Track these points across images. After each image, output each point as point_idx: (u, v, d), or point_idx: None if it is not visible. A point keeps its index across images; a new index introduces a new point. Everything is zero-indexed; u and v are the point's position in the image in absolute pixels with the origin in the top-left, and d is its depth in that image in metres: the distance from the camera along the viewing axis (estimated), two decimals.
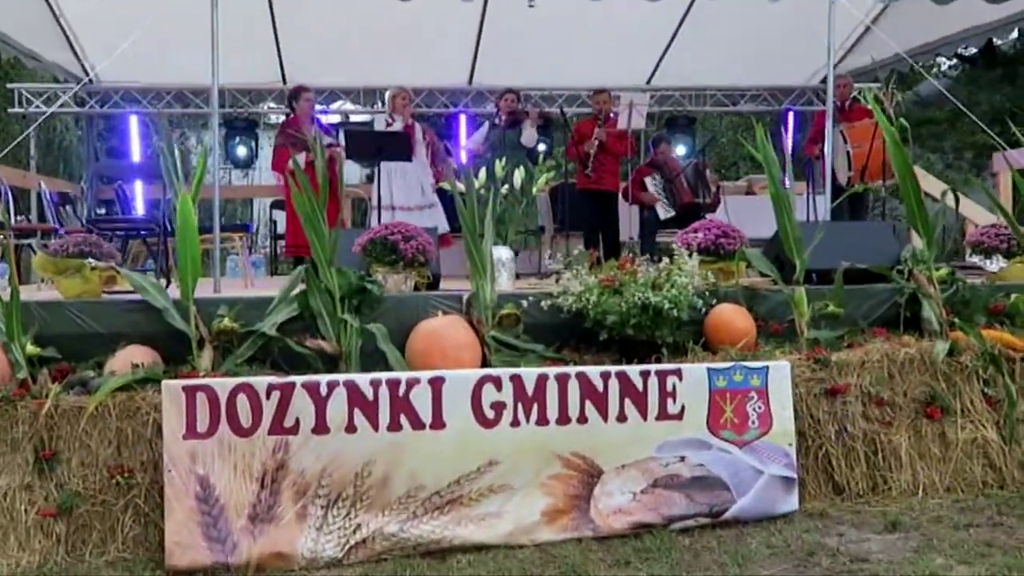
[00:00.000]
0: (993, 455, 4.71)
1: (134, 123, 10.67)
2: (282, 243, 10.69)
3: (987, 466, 4.71)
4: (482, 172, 5.11)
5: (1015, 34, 8.09)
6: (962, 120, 18.08)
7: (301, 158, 7.37)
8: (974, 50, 9.31)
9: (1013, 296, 5.14)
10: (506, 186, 5.55)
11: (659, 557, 3.92)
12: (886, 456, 4.59)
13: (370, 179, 9.44)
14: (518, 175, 5.72)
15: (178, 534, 3.88)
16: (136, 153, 10.64)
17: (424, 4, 6.36)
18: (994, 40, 8.27)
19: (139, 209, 9.97)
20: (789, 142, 10.96)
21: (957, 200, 5.22)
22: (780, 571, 3.74)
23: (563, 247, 8.30)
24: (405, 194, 7.73)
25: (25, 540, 3.97)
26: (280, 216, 11.09)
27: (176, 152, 4.57)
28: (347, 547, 3.98)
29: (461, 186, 7.47)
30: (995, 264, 5.63)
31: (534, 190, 5.79)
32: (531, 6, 5.94)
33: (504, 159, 6.77)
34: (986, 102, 16.58)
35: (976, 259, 5.73)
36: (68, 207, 8.68)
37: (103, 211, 7.83)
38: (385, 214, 7.26)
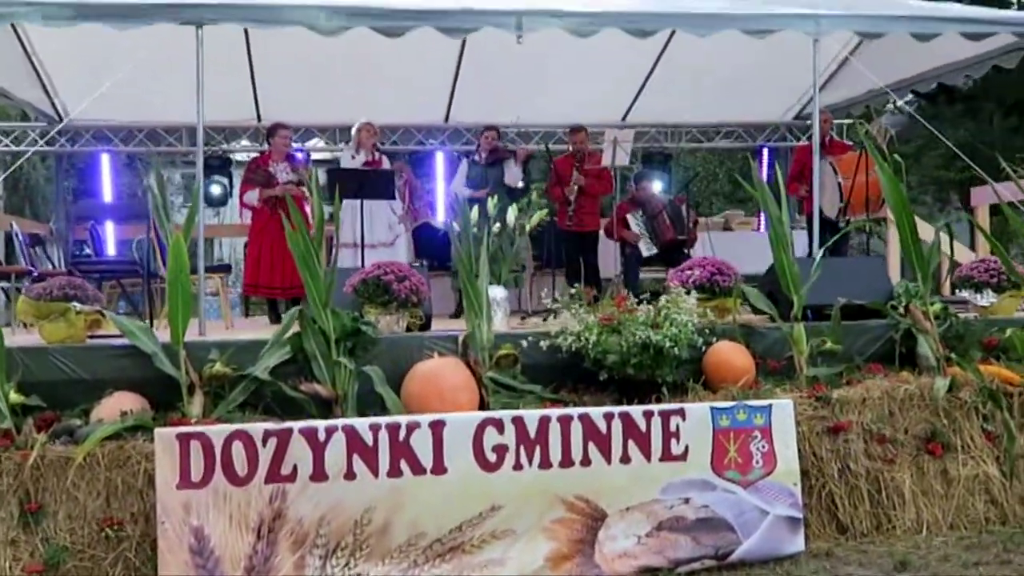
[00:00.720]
0: (995, 491, 4.69)
1: (106, 162, 10.49)
2: None
3: (989, 502, 4.69)
4: (475, 210, 5.03)
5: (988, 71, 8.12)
6: (927, 155, 18.38)
7: (254, 196, 7.29)
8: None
9: (1008, 331, 5.15)
10: (498, 224, 5.49)
11: None
12: (889, 494, 4.55)
13: (331, 217, 9.37)
14: (511, 213, 5.67)
15: None
16: (107, 192, 10.45)
17: (402, 41, 6.32)
18: (969, 77, 8.31)
19: (111, 250, 9.80)
20: (765, 178, 10.99)
21: (952, 237, 5.23)
22: None
23: (544, 286, 8.26)
24: (370, 231, 7.64)
25: None
26: None
27: (166, 191, 4.45)
28: None
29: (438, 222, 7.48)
30: (985, 299, 5.65)
31: (527, 227, 5.72)
32: (519, 41, 5.90)
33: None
34: (951, 137, 16.88)
35: (966, 294, 5.74)
36: (39, 248, 8.49)
37: (84, 252, 7.64)
38: (350, 251, 7.18)
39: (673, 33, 8.26)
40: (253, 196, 7.29)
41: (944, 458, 4.66)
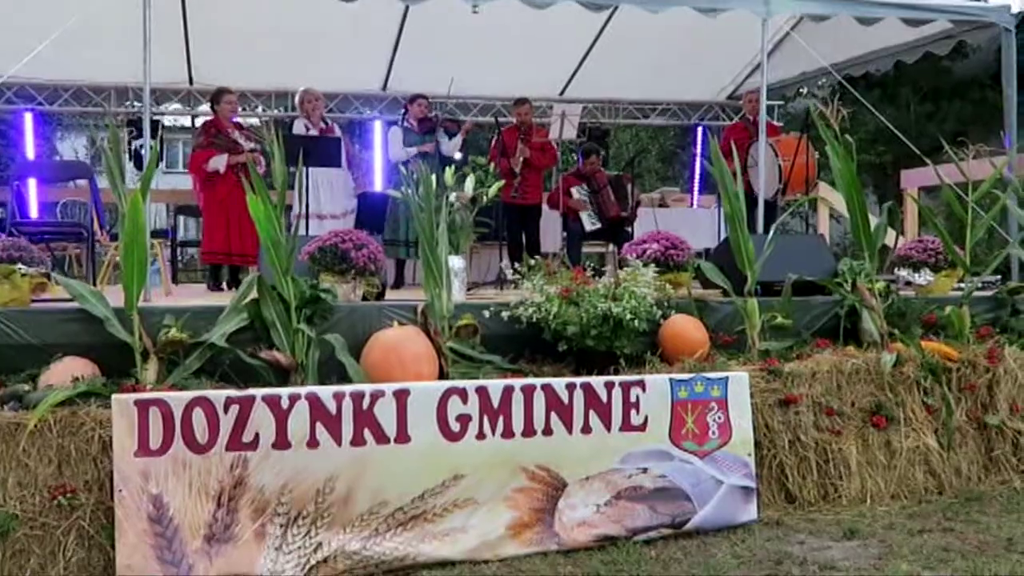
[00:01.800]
0: (934, 462, 4.87)
1: (28, 121, 10.11)
2: (187, 250, 10.34)
3: (928, 473, 4.87)
4: (432, 179, 4.99)
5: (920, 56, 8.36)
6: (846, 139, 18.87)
7: (222, 160, 7.13)
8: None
9: (948, 309, 5.34)
10: (454, 194, 5.46)
11: (628, 570, 3.89)
12: (836, 465, 4.69)
13: (291, 187, 9.22)
14: (470, 183, 5.64)
15: (130, 558, 3.66)
16: (30, 153, 10.08)
17: (343, 7, 6.22)
18: (903, 61, 8.54)
19: (33, 212, 9.45)
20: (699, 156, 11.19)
21: (896, 217, 5.39)
22: None
23: (487, 258, 8.26)
24: (331, 202, 7.54)
25: None
26: (183, 221, 10.71)
27: (120, 152, 4.30)
28: (308, 567, 3.83)
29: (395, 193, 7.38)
30: (923, 277, 5.84)
31: (486, 198, 5.71)
32: (475, 11, 5.86)
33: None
34: (871, 122, 17.33)
35: (904, 272, 5.92)
36: None
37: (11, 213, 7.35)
38: (313, 223, 7.06)
39: (615, 10, 8.31)
40: (220, 162, 7.10)
41: (887, 430, 4.81)
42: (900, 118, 17.59)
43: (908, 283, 5.98)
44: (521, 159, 7.89)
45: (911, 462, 4.83)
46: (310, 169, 6.87)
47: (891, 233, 8.52)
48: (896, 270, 6.04)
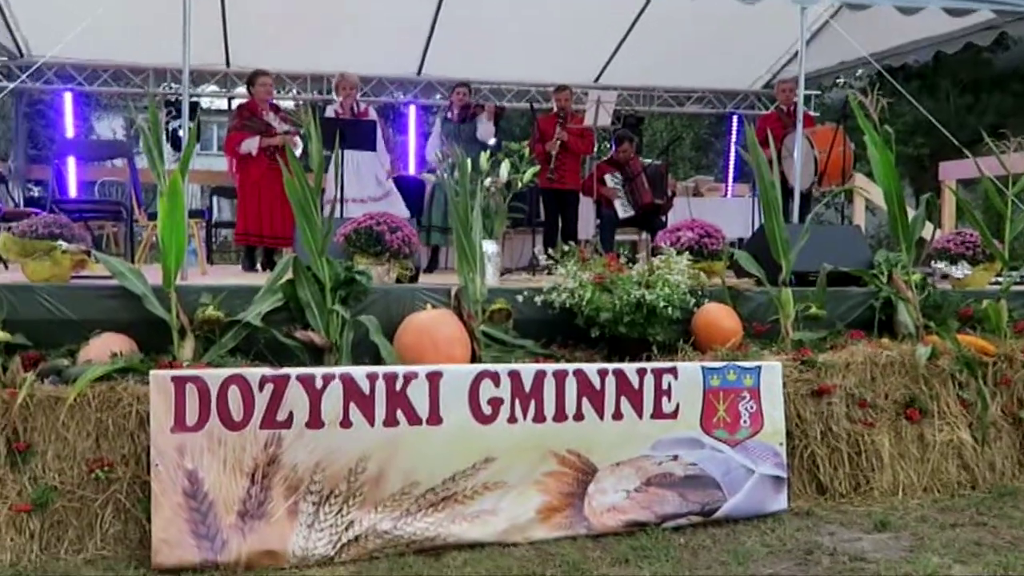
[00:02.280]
0: (967, 456, 4.83)
1: (68, 101, 10.22)
2: (221, 231, 10.43)
3: (961, 467, 4.83)
4: (468, 164, 5.00)
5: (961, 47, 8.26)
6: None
7: (254, 143, 7.17)
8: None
9: (985, 303, 5.28)
10: (489, 179, 5.47)
11: (658, 556, 3.90)
12: (868, 456, 4.66)
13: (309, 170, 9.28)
14: (504, 168, 5.65)
15: (165, 531, 3.71)
16: (70, 132, 10.20)
17: None
18: (943, 52, 8.45)
19: (73, 191, 9.58)
20: (733, 144, 11.12)
21: (934, 208, 5.33)
22: (782, 570, 3.75)
23: (521, 243, 8.27)
24: (358, 186, 7.55)
25: None
26: (217, 202, 10.79)
27: (160, 132, 4.35)
28: (339, 545, 3.87)
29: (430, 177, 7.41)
30: (960, 270, 5.77)
31: (520, 183, 5.72)
32: None
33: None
34: (909, 114, 17.14)
35: (941, 265, 5.86)
36: (1, 186, 8.28)
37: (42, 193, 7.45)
38: (337, 207, 7.08)
39: None
40: (252, 144, 7.15)
41: (921, 423, 4.78)
42: (939, 110, 17.38)
43: (945, 276, 5.92)
44: (558, 143, 7.87)
45: (944, 456, 4.79)
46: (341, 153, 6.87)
47: (928, 226, 8.49)
48: (933, 263, 5.97)
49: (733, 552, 3.92)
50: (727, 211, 9.73)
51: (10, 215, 6.65)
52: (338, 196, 6.99)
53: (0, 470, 3.80)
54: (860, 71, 11.90)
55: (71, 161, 9.39)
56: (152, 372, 3.84)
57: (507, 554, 3.93)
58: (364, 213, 5.10)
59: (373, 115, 7.89)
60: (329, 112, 7.88)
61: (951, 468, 4.80)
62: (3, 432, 3.83)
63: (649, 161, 8.24)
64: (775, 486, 4.40)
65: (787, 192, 6.81)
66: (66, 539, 3.82)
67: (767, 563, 3.82)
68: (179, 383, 3.80)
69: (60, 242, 4.53)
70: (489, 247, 5.12)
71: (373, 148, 7.35)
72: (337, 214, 6.65)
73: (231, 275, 6.85)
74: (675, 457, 4.31)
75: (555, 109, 8.32)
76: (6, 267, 5.85)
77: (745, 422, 4.41)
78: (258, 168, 7.17)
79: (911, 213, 5.35)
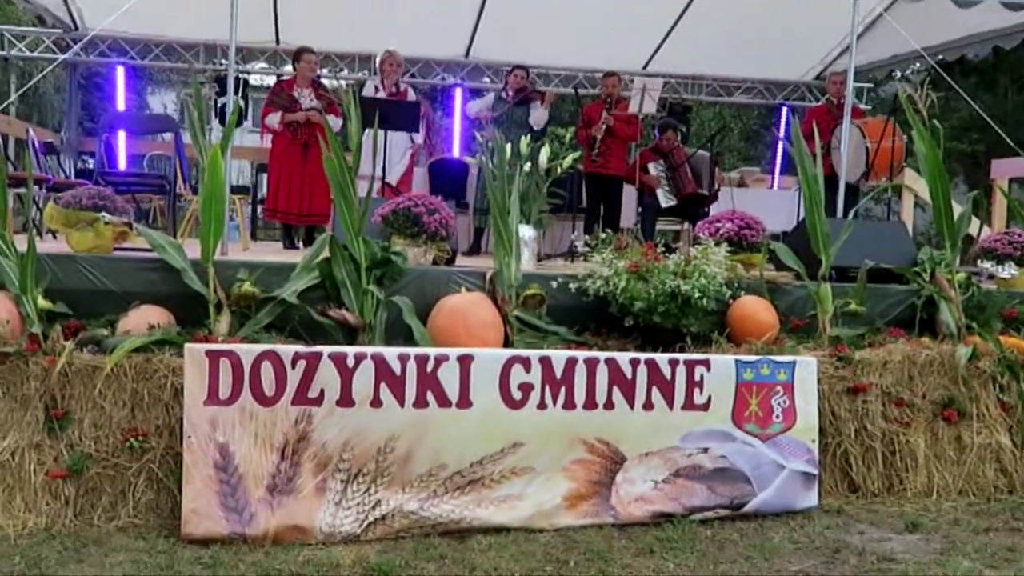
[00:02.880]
0: (1005, 460, 4.75)
1: (120, 74, 10.36)
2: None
3: (999, 471, 4.75)
4: (506, 147, 4.98)
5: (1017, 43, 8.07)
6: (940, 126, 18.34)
7: (276, 118, 7.19)
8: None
9: None
10: (528, 164, 5.45)
11: (683, 547, 3.87)
12: (903, 457, 4.60)
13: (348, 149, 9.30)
14: (544, 153, 5.63)
15: (195, 502, 3.77)
16: (121, 106, 10.34)
17: None
18: (1001, 47, 8.25)
19: (122, 163, 9.71)
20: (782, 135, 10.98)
21: (981, 206, 5.22)
22: (809, 567, 3.72)
23: (560, 229, 8.24)
24: (388, 165, 7.56)
25: (32, 501, 3.82)
26: (264, 179, 10.88)
27: (203, 107, 4.39)
28: (366, 523, 3.89)
29: (469, 160, 7.39)
30: (1006, 271, 5.66)
31: (560, 169, 5.70)
32: None
33: (507, 136, 6.61)
34: (965, 110, 16.82)
35: (988, 264, 5.75)
36: (53, 157, 8.42)
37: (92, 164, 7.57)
38: (363, 184, 7.09)
39: None
40: (275, 119, 7.20)
41: (959, 425, 4.71)
42: (996, 106, 17.04)
43: (991, 276, 5.80)
44: (604, 127, 7.82)
45: (981, 459, 4.71)
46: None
47: (975, 223, 8.33)
48: (979, 262, 5.85)
49: (759, 547, 3.89)
50: (772, 203, 9.62)
51: (59, 186, 6.76)
52: (375, 175, 7.01)
53: (38, 436, 3.89)
54: (916, 65, 11.69)
55: (121, 134, 9.51)
56: (187, 345, 3.88)
57: (532, 540, 3.93)
58: (405, 194, 5.11)
59: (412, 96, 7.88)
60: (368, 90, 7.88)
61: (988, 471, 4.72)
62: (42, 399, 3.91)
63: (694, 151, 8.14)
64: (806, 483, 4.35)
65: (835, 185, 6.71)
66: (99, 506, 3.90)
67: (794, 560, 3.79)
68: (213, 357, 3.85)
69: (103, 214, 4.59)
70: (526, 232, 5.11)
71: (416, 130, 7.36)
72: (383, 193, 6.69)
73: (272, 252, 6.91)
74: (705, 449, 4.28)
75: (602, 95, 8.26)
76: (54, 236, 5.95)
77: (777, 417, 4.36)
78: (280, 144, 7.23)
79: (957, 210, 5.25)
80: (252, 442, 3.86)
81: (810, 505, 4.34)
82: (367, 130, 4.66)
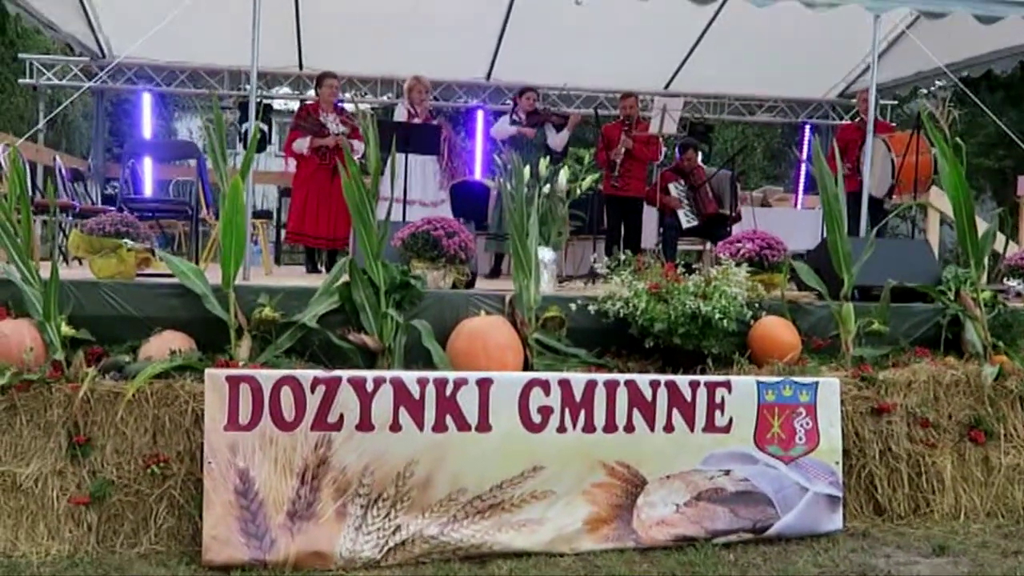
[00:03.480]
0: None
1: (147, 101, 10.49)
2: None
3: None
4: (524, 169, 4.99)
5: None
6: (965, 142, 18.18)
7: (305, 143, 7.25)
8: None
9: None
10: (547, 186, 5.46)
11: (706, 572, 3.84)
12: (929, 478, 4.54)
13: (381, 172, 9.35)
14: (563, 175, 5.63)
15: (215, 528, 3.77)
16: (147, 132, 10.47)
17: None
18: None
19: (148, 189, 9.83)
20: (806, 154, 10.93)
21: (1007, 223, 5.17)
22: None
23: (581, 251, 8.24)
24: (422, 188, 7.59)
25: (55, 528, 3.85)
26: (288, 203, 10.95)
27: (223, 132, 4.43)
28: (386, 549, 3.89)
29: (489, 183, 7.39)
30: None
31: (579, 191, 5.70)
32: (578, 3, 5.83)
33: (526, 158, 6.64)
34: (991, 125, 16.66)
35: (1014, 283, 5.68)
36: (79, 184, 8.53)
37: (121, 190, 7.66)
38: (399, 207, 7.12)
39: (723, 3, 8.18)
40: (303, 144, 7.26)
41: (986, 446, 4.64)
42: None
43: (1018, 294, 5.73)
44: (623, 150, 7.82)
45: (1010, 480, 4.64)
46: (398, 156, 6.90)
47: (1001, 240, 8.23)
48: (1006, 280, 5.79)
49: (783, 572, 3.85)
50: (795, 222, 9.57)
51: (85, 212, 6.84)
52: (401, 198, 7.05)
53: (61, 462, 3.91)
54: (942, 81, 11.62)
55: (147, 160, 9.63)
56: (207, 371, 3.90)
57: (553, 564, 3.91)
58: (423, 217, 5.12)
59: (435, 120, 7.92)
60: (400, 113, 7.92)
61: (1017, 493, 4.65)
62: (64, 425, 3.94)
63: (716, 170, 8.11)
64: (830, 505, 4.30)
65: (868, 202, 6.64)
66: (122, 533, 3.92)
67: None
68: (233, 382, 3.86)
69: (126, 240, 4.64)
70: (545, 254, 5.11)
71: (437, 152, 7.38)
72: (398, 216, 6.70)
73: (295, 276, 6.96)
74: (727, 472, 4.24)
75: (621, 116, 8.26)
76: (80, 263, 6.02)
77: (800, 439, 4.32)
78: (308, 168, 7.27)
79: (982, 227, 5.19)
80: (272, 467, 3.87)
81: (835, 528, 4.29)
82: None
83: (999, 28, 6.90)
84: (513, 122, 8.27)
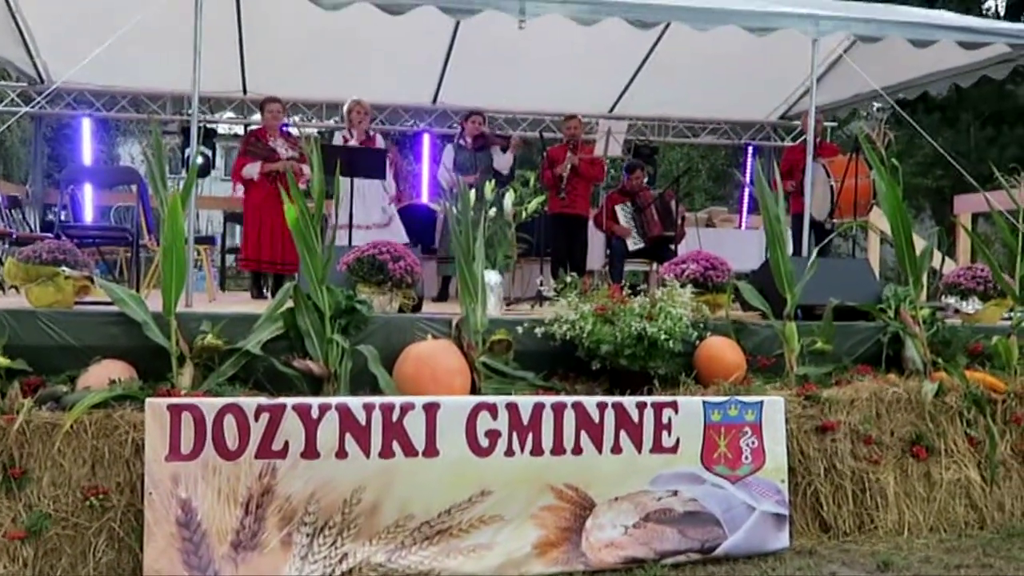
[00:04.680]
0: (975, 496, 4.75)
1: (87, 126, 10.33)
2: (235, 256, 10.45)
3: (969, 507, 4.75)
4: (471, 193, 4.99)
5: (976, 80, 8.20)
6: (903, 162, 18.56)
7: (255, 168, 7.20)
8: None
9: (994, 339, 5.20)
10: (493, 209, 5.46)
11: None
12: (873, 495, 4.60)
13: (328, 196, 9.28)
14: (508, 199, 5.64)
15: (157, 561, 3.70)
16: (87, 158, 10.30)
17: (395, 20, 6.26)
18: (959, 85, 8.38)
19: (88, 215, 9.66)
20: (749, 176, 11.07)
21: (943, 242, 5.28)
22: None
23: (529, 273, 8.24)
24: (364, 213, 7.54)
25: None
26: (234, 228, 10.83)
27: (163, 158, 4.37)
28: None
29: (435, 206, 7.39)
30: (971, 306, 5.70)
31: (524, 214, 5.71)
32: (521, 27, 5.86)
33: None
34: (929, 146, 17.04)
35: (952, 300, 5.79)
36: (16, 210, 8.35)
37: (60, 217, 7.52)
38: (343, 232, 7.08)
39: (666, 28, 8.27)
40: (254, 169, 7.21)
41: (928, 461, 4.71)
42: (960, 142, 17.27)
43: (956, 311, 5.84)
44: (569, 166, 7.86)
45: (951, 495, 4.72)
46: (341, 179, 6.86)
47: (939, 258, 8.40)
48: (944, 297, 5.90)
49: None
50: (740, 243, 9.69)
51: (22, 239, 6.70)
52: (346, 222, 7.01)
53: None
54: (879, 104, 11.85)
55: (87, 187, 9.46)
56: (148, 400, 3.83)
57: None
58: (369, 242, 5.09)
59: (381, 143, 7.90)
60: (338, 139, 7.90)
61: (958, 508, 4.72)
62: (0, 458, 3.83)
63: (660, 191, 8.19)
64: (777, 524, 4.33)
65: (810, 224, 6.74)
66: (59, 567, 3.81)
67: None
68: (175, 411, 3.80)
69: (64, 268, 4.54)
70: (492, 277, 5.10)
71: (383, 176, 7.36)
72: (344, 240, 6.65)
73: (240, 302, 6.87)
74: (675, 492, 4.26)
75: (565, 139, 8.31)
76: (16, 291, 5.89)
77: (747, 458, 4.35)
78: (259, 193, 7.22)
79: (921, 246, 5.29)
80: (215, 497, 3.80)
81: (782, 546, 4.32)
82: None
83: (933, 52, 7.07)
84: (458, 146, 8.28)
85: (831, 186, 7.29)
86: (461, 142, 8.31)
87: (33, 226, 8.89)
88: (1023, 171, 5.67)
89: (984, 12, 18.16)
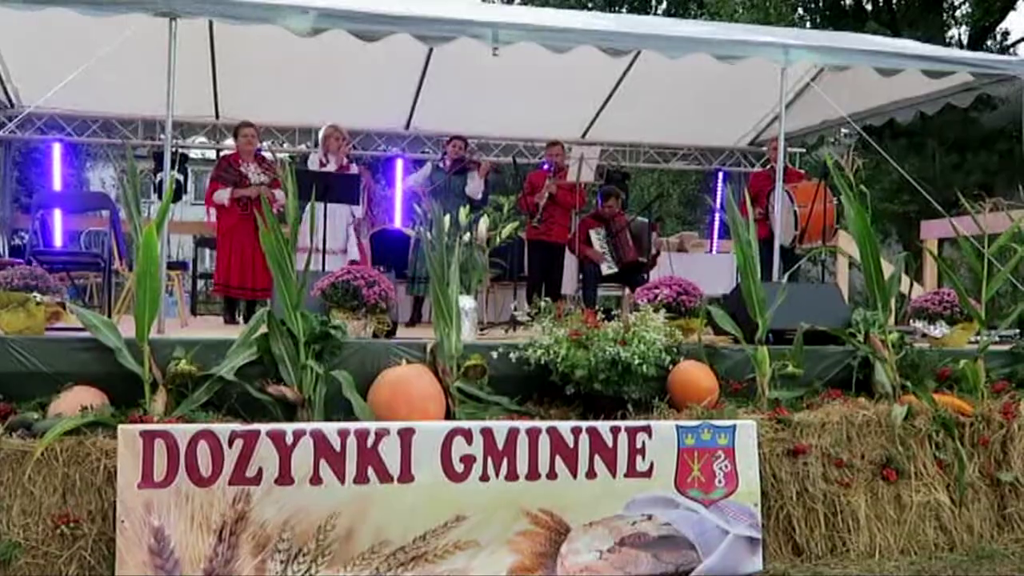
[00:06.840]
0: (944, 518, 4.80)
1: (57, 151, 10.25)
2: (208, 281, 10.41)
3: (939, 529, 4.79)
4: (447, 219, 5.01)
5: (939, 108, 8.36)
6: (870, 188, 18.78)
7: (226, 194, 7.19)
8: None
9: (962, 363, 5.28)
10: (468, 234, 5.49)
11: None
12: (844, 518, 4.63)
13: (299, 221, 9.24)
14: (483, 224, 5.67)
15: None
16: (57, 183, 10.21)
17: (369, 47, 6.30)
18: (924, 112, 8.54)
19: (58, 241, 9.57)
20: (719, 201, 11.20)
21: (911, 267, 5.36)
22: None
23: (503, 298, 8.27)
24: (331, 236, 7.54)
25: None
26: (206, 253, 10.80)
27: (137, 183, 4.36)
28: None
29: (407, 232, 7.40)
30: (938, 330, 5.78)
31: (499, 239, 5.74)
32: (495, 54, 5.92)
33: (446, 206, 6.66)
34: (895, 172, 17.25)
35: (920, 324, 5.87)
36: None
37: (27, 242, 7.46)
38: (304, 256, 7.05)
39: (637, 55, 8.37)
40: (224, 195, 7.21)
41: (898, 484, 4.76)
42: (925, 168, 17.50)
43: (924, 335, 5.92)
44: (547, 194, 7.93)
45: (921, 517, 4.76)
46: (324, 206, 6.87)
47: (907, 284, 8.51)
48: (912, 321, 5.98)
49: None
50: (712, 267, 9.76)
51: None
52: (319, 248, 7.00)
53: None
54: (847, 130, 12.02)
55: (57, 212, 9.39)
56: (120, 427, 3.82)
57: None
58: (342, 267, 5.10)
59: (354, 168, 7.92)
60: (313, 163, 7.91)
61: (928, 530, 4.77)
62: None
63: (633, 217, 8.25)
64: (750, 547, 4.36)
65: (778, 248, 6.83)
66: None
67: None
68: (147, 438, 3.78)
69: (34, 293, 4.51)
70: (466, 302, 5.12)
71: (357, 201, 7.37)
72: (317, 266, 6.65)
73: (213, 327, 6.84)
74: (649, 517, 4.28)
75: (545, 164, 8.38)
76: None
77: (720, 482, 4.38)
78: (230, 219, 7.23)
79: (889, 271, 5.36)
80: (188, 525, 3.79)
81: (755, 570, 4.35)
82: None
83: (899, 80, 7.21)
84: (438, 168, 8.31)
85: (795, 212, 7.39)
86: (440, 164, 8.35)
87: (2, 251, 8.80)
88: (987, 197, 5.78)
89: (948, 42, 18.51)
